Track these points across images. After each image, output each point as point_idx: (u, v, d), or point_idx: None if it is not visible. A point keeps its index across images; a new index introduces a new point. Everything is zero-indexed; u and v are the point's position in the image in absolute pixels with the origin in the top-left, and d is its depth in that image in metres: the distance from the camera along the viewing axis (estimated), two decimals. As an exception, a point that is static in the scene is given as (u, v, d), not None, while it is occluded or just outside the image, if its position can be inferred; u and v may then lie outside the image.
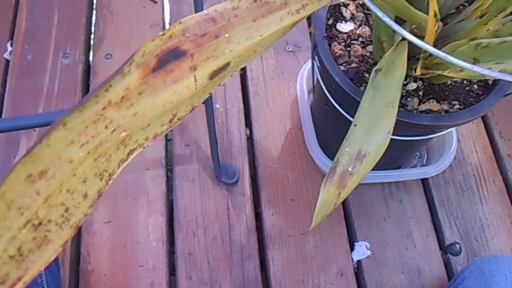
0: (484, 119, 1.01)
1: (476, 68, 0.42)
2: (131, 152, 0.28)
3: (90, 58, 1.04)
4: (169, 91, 0.29)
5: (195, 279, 0.84)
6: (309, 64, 0.93)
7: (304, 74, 0.94)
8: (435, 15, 0.48)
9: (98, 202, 0.82)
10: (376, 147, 0.52)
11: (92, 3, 1.11)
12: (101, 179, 0.26)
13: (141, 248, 0.85)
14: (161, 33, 0.29)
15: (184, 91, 0.30)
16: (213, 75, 0.32)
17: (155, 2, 1.10)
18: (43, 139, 0.24)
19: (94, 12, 1.10)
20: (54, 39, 1.04)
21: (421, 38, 0.57)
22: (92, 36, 1.07)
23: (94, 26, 1.08)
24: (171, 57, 0.29)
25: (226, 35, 0.31)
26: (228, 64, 0.32)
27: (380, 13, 0.43)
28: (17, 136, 0.92)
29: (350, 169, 0.53)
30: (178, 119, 0.31)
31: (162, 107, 0.29)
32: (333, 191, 0.52)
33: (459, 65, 0.42)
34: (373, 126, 0.53)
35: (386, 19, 0.43)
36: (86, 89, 1.00)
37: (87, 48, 1.05)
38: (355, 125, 0.54)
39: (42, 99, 0.97)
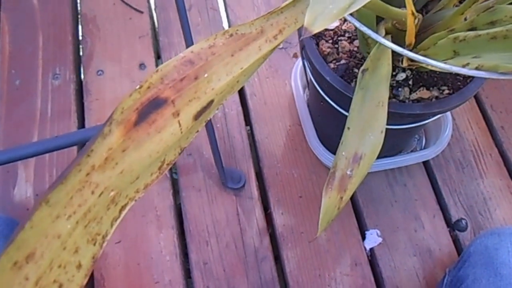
0: (475, 95, 1.01)
1: (454, 68, 0.42)
2: (123, 208, 0.28)
3: (82, 76, 1.02)
4: (154, 141, 0.28)
5: (212, 288, 0.84)
6: (301, 61, 0.92)
7: (297, 71, 0.93)
8: (413, 13, 0.48)
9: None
10: (371, 148, 0.52)
11: (77, 19, 1.09)
12: (94, 244, 0.26)
13: (155, 264, 0.84)
14: (138, 86, 0.28)
15: (170, 137, 0.29)
16: (198, 115, 0.31)
17: (141, 12, 1.09)
18: (26, 223, 0.23)
19: (79, 28, 1.08)
20: (42, 60, 1.02)
21: (403, 31, 0.57)
22: (81, 53, 1.05)
23: (82, 42, 1.06)
24: (151, 107, 0.28)
25: (206, 75, 0.31)
26: (211, 101, 0.32)
27: (357, 24, 0.42)
28: (14, 166, 0.91)
29: (348, 172, 0.52)
30: (168, 164, 0.30)
31: (148, 158, 0.28)
32: (334, 196, 0.52)
33: (438, 66, 0.42)
34: (366, 127, 0.52)
35: (364, 29, 0.42)
36: (81, 108, 0.98)
37: (77, 66, 1.04)
38: (348, 128, 0.53)
39: (36, 124, 0.96)
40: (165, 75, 0.29)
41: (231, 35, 0.32)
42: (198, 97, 0.31)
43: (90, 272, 0.26)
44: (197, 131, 0.33)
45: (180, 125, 0.30)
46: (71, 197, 0.25)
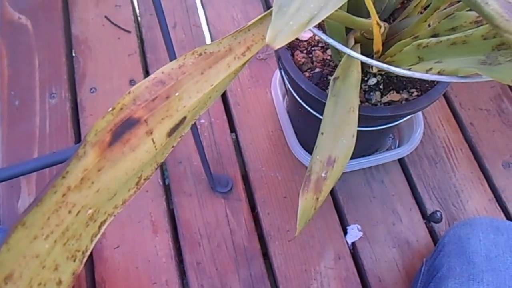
0: (444, 94, 1.01)
1: (417, 74, 0.42)
2: (102, 224, 0.27)
3: (76, 94, 1.01)
4: (129, 159, 0.28)
5: (207, 286, 0.83)
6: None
7: (276, 80, 0.93)
8: (377, 23, 0.47)
9: (106, 230, 0.81)
10: (344, 151, 0.52)
11: (70, 41, 1.07)
12: (74, 261, 0.25)
13: (152, 267, 0.84)
14: (110, 108, 0.27)
15: (145, 155, 0.29)
16: (171, 132, 0.31)
17: (129, 32, 1.08)
18: (2, 246, 0.22)
19: (72, 49, 1.07)
20: (38, 81, 1.01)
21: (371, 40, 0.57)
22: (75, 73, 1.04)
23: (75, 63, 1.05)
24: (125, 127, 0.28)
25: (177, 94, 0.30)
26: (184, 118, 0.31)
27: (324, 36, 0.41)
28: (17, 181, 0.90)
29: (323, 174, 0.52)
30: (145, 179, 0.30)
31: (125, 176, 0.28)
32: (311, 197, 0.52)
33: (400, 73, 0.42)
34: (338, 132, 0.52)
35: (330, 41, 0.42)
36: (77, 125, 0.98)
37: (72, 85, 1.03)
38: (322, 133, 0.53)
39: (35, 141, 0.95)
40: (137, 96, 0.29)
41: (200, 54, 0.32)
42: (171, 115, 0.30)
43: (71, 287, 0.25)
44: (173, 146, 0.32)
45: (154, 142, 0.29)
46: (48, 218, 0.24)
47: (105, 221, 0.28)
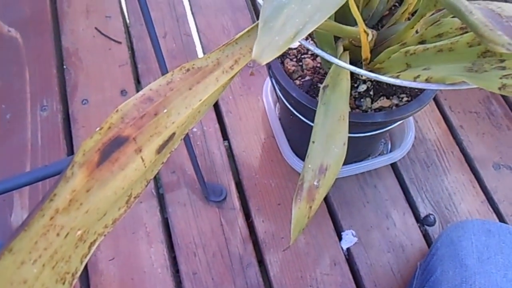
0: (434, 97, 1.02)
1: (405, 83, 0.42)
2: (92, 244, 0.27)
3: (68, 106, 1.01)
4: (118, 178, 0.27)
5: (202, 296, 0.83)
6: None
7: (268, 88, 0.92)
8: (365, 31, 0.47)
9: (100, 242, 0.80)
10: (336, 159, 0.52)
11: (60, 53, 1.06)
12: (63, 283, 0.25)
13: (147, 278, 0.83)
14: (98, 128, 0.27)
15: (134, 173, 0.28)
16: (160, 149, 0.30)
17: (120, 43, 1.08)
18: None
19: (63, 61, 1.06)
20: (29, 94, 1.01)
21: (360, 47, 0.57)
22: (66, 84, 1.03)
23: (66, 74, 1.04)
24: (113, 146, 0.28)
25: (165, 110, 0.30)
26: (173, 134, 0.31)
27: (312, 47, 0.41)
28: (9, 195, 0.89)
29: (315, 183, 0.52)
30: (135, 197, 0.30)
31: (114, 195, 0.27)
32: (304, 206, 0.51)
33: (388, 81, 0.41)
34: (329, 140, 0.52)
35: (318, 51, 0.41)
36: (69, 137, 0.97)
37: (63, 97, 1.02)
38: (313, 142, 0.53)
39: (28, 154, 0.94)
40: (125, 114, 0.28)
41: (188, 70, 0.32)
42: (159, 132, 0.30)
43: (60, 311, 0.25)
44: (162, 162, 0.32)
45: (143, 160, 0.29)
46: (36, 242, 0.24)
47: (95, 241, 0.27)
